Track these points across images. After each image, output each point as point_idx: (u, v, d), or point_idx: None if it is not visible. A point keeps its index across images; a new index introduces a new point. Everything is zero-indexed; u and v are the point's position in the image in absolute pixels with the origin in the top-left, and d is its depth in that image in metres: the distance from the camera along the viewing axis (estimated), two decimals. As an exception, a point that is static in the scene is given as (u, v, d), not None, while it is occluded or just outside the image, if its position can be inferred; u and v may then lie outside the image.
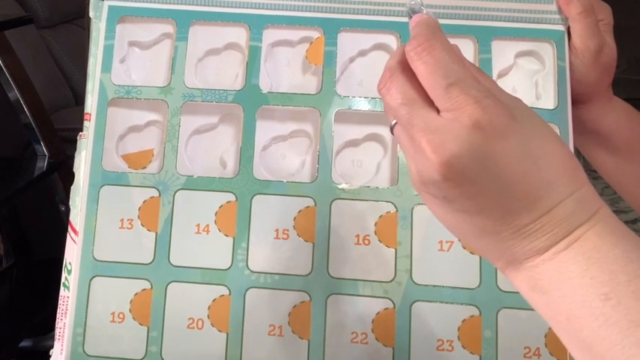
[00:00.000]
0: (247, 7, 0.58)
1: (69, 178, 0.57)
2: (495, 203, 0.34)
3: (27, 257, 1.24)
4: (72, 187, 0.57)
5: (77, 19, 2.07)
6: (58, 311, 0.55)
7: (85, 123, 0.57)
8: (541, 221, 0.35)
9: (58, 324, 0.55)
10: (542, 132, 0.35)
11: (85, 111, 0.58)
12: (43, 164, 1.28)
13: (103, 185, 0.56)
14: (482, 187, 0.34)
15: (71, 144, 0.62)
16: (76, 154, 0.57)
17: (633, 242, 0.34)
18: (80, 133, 0.57)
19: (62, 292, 0.55)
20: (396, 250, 0.54)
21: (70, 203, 0.57)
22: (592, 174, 0.64)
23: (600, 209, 0.35)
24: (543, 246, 0.35)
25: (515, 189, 0.34)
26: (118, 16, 0.59)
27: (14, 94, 1.26)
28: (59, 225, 1.24)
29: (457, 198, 0.35)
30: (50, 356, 0.55)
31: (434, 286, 0.54)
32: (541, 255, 0.35)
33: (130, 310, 0.55)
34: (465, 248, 0.54)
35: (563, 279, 0.34)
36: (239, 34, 0.59)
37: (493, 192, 0.34)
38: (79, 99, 1.96)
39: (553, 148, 0.35)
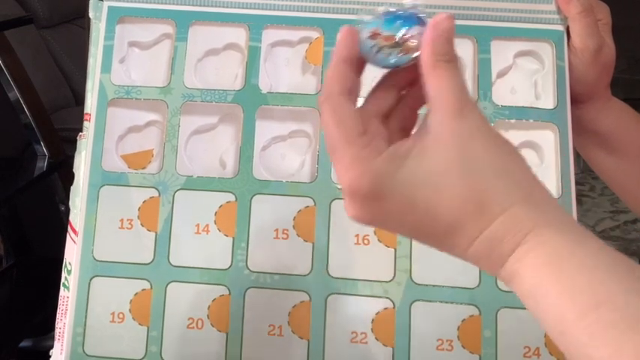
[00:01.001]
0: (247, 8, 0.58)
1: (69, 178, 0.57)
2: (415, 226, 0.36)
3: (27, 257, 1.24)
4: (72, 188, 0.57)
5: (77, 19, 2.07)
6: (57, 311, 0.55)
7: (85, 123, 0.57)
8: (475, 246, 0.35)
9: (58, 324, 0.55)
10: (425, 179, 0.35)
11: (85, 111, 0.58)
12: (43, 164, 1.28)
13: (103, 185, 0.56)
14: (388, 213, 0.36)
15: (71, 144, 0.62)
16: (76, 155, 0.57)
17: (576, 266, 0.33)
18: (80, 133, 0.57)
19: (62, 292, 0.56)
20: (395, 249, 0.54)
21: (70, 203, 0.57)
22: (592, 173, 0.64)
23: (528, 236, 0.34)
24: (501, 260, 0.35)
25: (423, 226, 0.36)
26: (118, 16, 0.59)
27: (14, 94, 1.26)
28: (59, 225, 1.24)
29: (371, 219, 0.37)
30: (50, 356, 0.55)
31: (433, 285, 0.54)
32: (507, 263, 0.35)
33: (129, 310, 0.55)
34: None
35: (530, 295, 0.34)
36: (238, 35, 0.59)
37: (400, 221, 0.36)
38: (79, 99, 1.96)
39: (444, 190, 0.35)
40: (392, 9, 0.37)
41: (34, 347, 1.27)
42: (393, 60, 0.37)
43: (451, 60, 0.36)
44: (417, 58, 0.36)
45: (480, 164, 0.35)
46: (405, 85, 0.39)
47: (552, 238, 0.34)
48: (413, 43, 0.36)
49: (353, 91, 0.37)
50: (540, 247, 0.34)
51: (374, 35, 0.37)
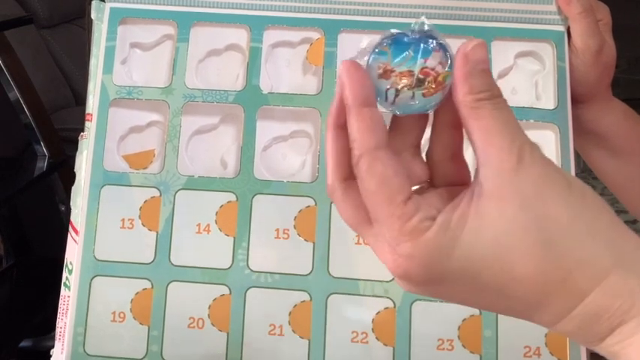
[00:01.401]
0: (248, 9, 0.58)
1: (69, 178, 0.57)
2: (487, 305, 0.31)
3: (27, 257, 1.24)
4: (73, 187, 0.57)
5: (77, 19, 2.07)
6: (58, 311, 0.55)
7: (87, 123, 0.57)
8: (564, 324, 0.30)
9: (59, 323, 0.55)
10: (490, 254, 0.29)
11: (87, 111, 0.58)
12: (43, 164, 1.28)
13: (104, 185, 0.56)
14: (453, 291, 0.31)
15: (71, 144, 0.62)
16: (77, 155, 0.58)
17: None
18: (81, 133, 0.58)
19: (63, 291, 0.56)
20: None
21: (71, 203, 0.57)
22: (592, 173, 0.64)
23: (632, 312, 0.28)
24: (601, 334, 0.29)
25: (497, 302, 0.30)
26: (120, 17, 0.59)
27: (14, 94, 1.26)
28: (59, 225, 1.24)
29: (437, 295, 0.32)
30: (51, 356, 0.55)
31: None
32: (605, 342, 0.29)
33: (130, 310, 0.55)
34: None
35: None
36: (240, 35, 0.59)
37: (470, 297, 0.31)
38: (79, 99, 1.96)
39: (516, 267, 0.29)
40: (396, 31, 0.30)
41: (34, 347, 1.27)
42: (418, 104, 0.29)
43: (495, 95, 0.30)
44: (447, 94, 0.29)
45: (557, 228, 0.28)
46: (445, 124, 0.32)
47: None
48: (439, 75, 0.29)
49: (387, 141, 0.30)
50: None
51: (385, 73, 0.29)
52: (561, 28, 0.57)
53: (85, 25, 0.61)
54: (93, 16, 0.59)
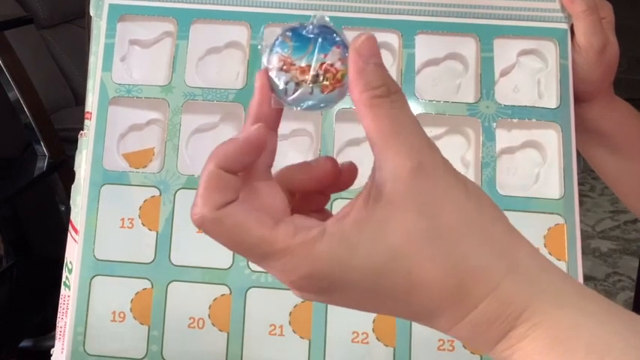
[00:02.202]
0: (248, 6, 0.58)
1: (69, 178, 0.57)
2: (387, 311, 0.30)
3: (27, 257, 1.24)
4: (72, 187, 0.57)
5: (77, 19, 2.07)
6: (59, 310, 0.55)
7: (86, 122, 0.57)
8: (457, 329, 0.29)
9: (59, 323, 0.55)
10: (388, 263, 0.28)
11: (86, 110, 0.58)
12: (43, 164, 1.28)
13: (104, 184, 0.56)
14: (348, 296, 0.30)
15: (71, 144, 0.62)
16: (77, 153, 0.57)
17: (583, 348, 0.27)
18: (81, 132, 0.57)
19: (63, 291, 0.55)
20: None
21: (71, 202, 0.57)
22: (592, 173, 0.64)
23: (521, 317, 0.28)
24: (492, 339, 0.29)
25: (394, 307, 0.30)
26: (119, 14, 0.59)
27: (14, 94, 1.26)
28: (59, 225, 1.24)
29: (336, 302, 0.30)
30: (51, 355, 0.55)
31: None
32: (497, 348, 0.29)
33: (130, 310, 0.55)
34: None
35: None
36: (240, 33, 0.59)
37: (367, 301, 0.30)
38: (79, 99, 1.96)
39: (414, 275, 0.28)
40: (295, 25, 0.29)
41: (34, 347, 1.27)
42: (316, 100, 0.29)
43: (392, 91, 0.29)
44: (344, 92, 0.29)
45: (453, 235, 0.28)
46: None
47: (549, 318, 0.28)
48: (338, 72, 0.28)
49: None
50: (537, 331, 0.28)
51: (286, 66, 0.29)
52: (564, 26, 0.57)
53: (85, 25, 0.60)
54: (92, 13, 0.58)
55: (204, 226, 0.30)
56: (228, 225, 0.29)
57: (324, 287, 0.29)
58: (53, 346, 0.55)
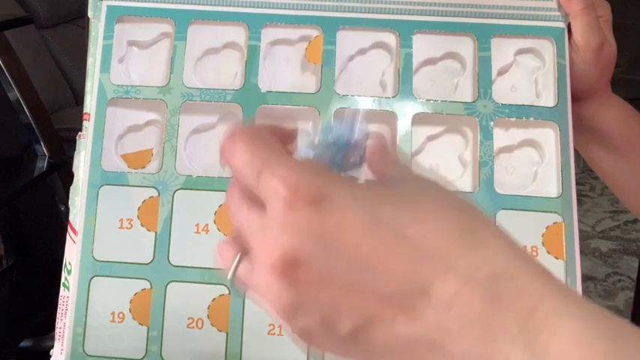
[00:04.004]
0: (246, 6, 0.58)
1: (69, 178, 0.57)
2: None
3: (27, 257, 1.24)
4: (71, 187, 0.57)
5: (77, 19, 2.07)
6: (57, 311, 0.55)
7: (85, 123, 0.57)
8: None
9: (58, 324, 0.55)
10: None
11: (84, 111, 0.58)
12: (43, 164, 1.28)
13: (103, 185, 0.56)
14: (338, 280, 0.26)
15: (71, 144, 0.62)
16: (76, 154, 0.57)
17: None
18: (79, 133, 0.57)
19: (62, 292, 0.55)
20: None
21: (70, 203, 0.57)
22: (592, 173, 0.64)
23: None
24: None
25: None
26: (117, 15, 0.59)
27: (14, 94, 1.26)
28: (59, 225, 1.24)
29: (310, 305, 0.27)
30: (50, 356, 0.55)
31: None
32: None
33: (129, 310, 0.55)
34: None
35: None
36: (238, 33, 0.59)
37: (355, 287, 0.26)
38: (79, 99, 1.96)
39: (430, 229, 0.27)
40: (330, 138, 0.32)
41: (34, 347, 1.27)
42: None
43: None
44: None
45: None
46: None
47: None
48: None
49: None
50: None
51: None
52: (561, 25, 0.57)
53: (85, 25, 0.60)
54: (89, 14, 0.59)
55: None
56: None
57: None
58: (53, 347, 0.55)
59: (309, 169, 0.28)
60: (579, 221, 0.55)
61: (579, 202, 0.53)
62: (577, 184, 0.55)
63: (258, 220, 0.28)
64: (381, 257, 0.26)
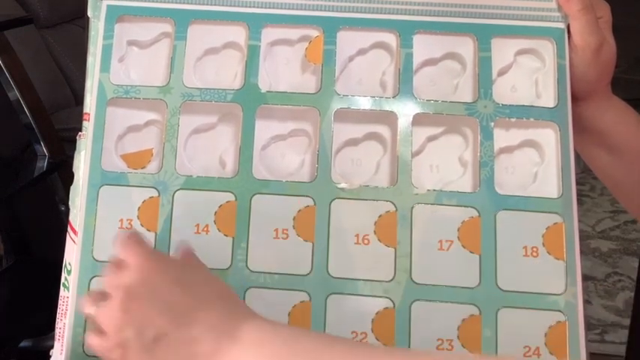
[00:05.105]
0: (246, 6, 0.58)
1: (69, 178, 0.57)
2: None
3: (27, 257, 1.24)
4: (71, 187, 0.57)
5: (77, 19, 2.07)
6: (57, 311, 0.55)
7: (84, 123, 0.57)
8: None
9: (58, 324, 0.55)
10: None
11: (84, 111, 0.58)
12: (43, 164, 1.28)
13: (103, 185, 0.56)
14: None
15: (71, 144, 0.62)
16: (76, 154, 0.57)
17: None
18: (79, 133, 0.57)
19: (62, 292, 0.55)
20: (395, 249, 0.54)
21: (70, 203, 0.57)
22: (592, 173, 0.64)
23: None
24: None
25: None
26: (117, 15, 0.59)
27: (14, 94, 1.26)
28: (59, 225, 1.24)
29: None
30: (50, 356, 0.55)
31: (433, 285, 0.54)
32: None
33: None
34: (465, 247, 0.54)
35: None
36: (238, 33, 0.59)
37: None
38: (79, 99, 1.96)
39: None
40: None
41: (34, 347, 1.26)
42: None
43: None
44: None
45: None
46: None
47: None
48: None
49: None
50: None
51: None
52: (561, 25, 0.57)
53: (85, 25, 0.60)
54: (89, 14, 0.59)
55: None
56: None
57: None
58: (53, 347, 0.55)
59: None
60: (579, 221, 0.55)
61: (579, 202, 0.53)
62: (577, 184, 0.55)
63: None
64: (173, 296, 0.43)
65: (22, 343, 1.25)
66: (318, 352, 0.41)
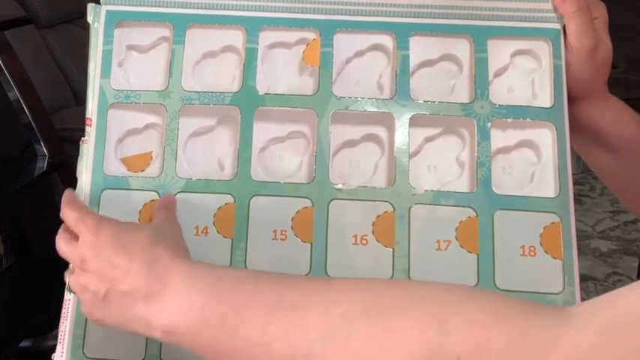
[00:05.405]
0: (243, 10, 0.58)
1: (69, 178, 0.57)
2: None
3: (27, 257, 1.24)
4: (75, 192, 0.57)
5: (77, 19, 2.07)
6: (61, 314, 0.56)
7: (87, 128, 0.58)
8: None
9: (61, 327, 0.55)
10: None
11: (86, 116, 0.58)
12: (43, 164, 1.28)
13: (105, 189, 0.56)
14: None
15: (71, 144, 0.62)
16: (79, 160, 0.58)
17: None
18: (82, 138, 0.58)
19: (66, 295, 0.56)
20: (393, 249, 0.54)
21: None
22: (592, 173, 0.64)
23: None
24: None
25: None
26: (116, 20, 0.59)
27: (14, 94, 1.26)
28: (59, 225, 1.24)
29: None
30: (52, 358, 0.56)
31: None
32: None
33: None
34: (462, 247, 0.54)
35: None
36: (236, 37, 0.59)
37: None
38: (79, 99, 1.96)
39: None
40: None
41: (34, 347, 1.27)
42: None
43: None
44: None
45: None
46: None
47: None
48: None
49: None
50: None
51: None
52: (557, 26, 0.57)
53: (86, 26, 0.61)
54: (89, 19, 0.59)
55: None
56: None
57: None
58: (53, 346, 0.56)
59: (94, 216, 0.51)
60: (579, 221, 0.55)
61: (579, 202, 0.54)
62: (577, 184, 0.56)
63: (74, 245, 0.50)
64: (113, 257, 0.47)
65: (22, 343, 1.25)
66: (241, 283, 0.44)
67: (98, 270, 0.47)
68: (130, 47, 0.60)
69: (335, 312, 0.39)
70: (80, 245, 0.49)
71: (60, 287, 0.56)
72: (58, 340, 0.55)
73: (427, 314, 0.37)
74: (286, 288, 0.42)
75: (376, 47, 0.59)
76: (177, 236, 0.52)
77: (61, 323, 0.55)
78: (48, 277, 1.18)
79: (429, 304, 0.38)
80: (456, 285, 0.40)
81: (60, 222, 0.53)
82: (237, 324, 0.42)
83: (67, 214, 0.51)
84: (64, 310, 0.55)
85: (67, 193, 0.53)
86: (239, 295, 0.43)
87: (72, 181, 0.58)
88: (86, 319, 0.55)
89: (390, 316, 0.38)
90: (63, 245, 0.51)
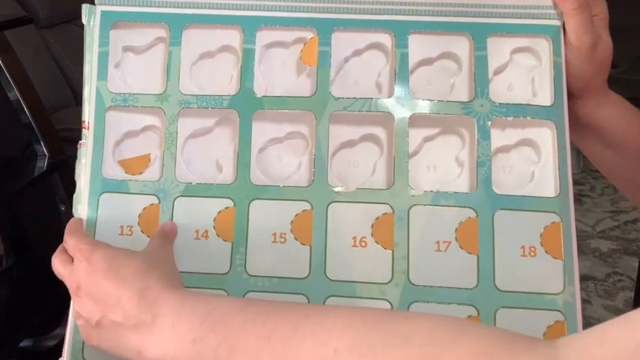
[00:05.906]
0: (240, 9, 0.58)
1: (69, 177, 0.57)
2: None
3: (27, 257, 1.24)
4: (74, 196, 0.57)
5: (77, 19, 2.06)
6: (69, 320, 0.56)
7: (84, 131, 0.57)
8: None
9: (65, 332, 0.56)
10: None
11: (83, 119, 0.58)
12: (43, 164, 1.28)
13: (103, 193, 0.56)
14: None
15: (71, 144, 0.62)
16: (77, 163, 0.58)
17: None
18: (80, 141, 0.57)
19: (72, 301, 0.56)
20: (392, 251, 0.54)
21: (73, 211, 0.57)
22: (592, 173, 0.64)
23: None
24: None
25: None
26: (112, 21, 0.59)
27: (14, 94, 1.26)
28: (59, 225, 1.24)
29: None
30: (51, 358, 0.56)
31: (431, 286, 0.54)
32: None
33: None
34: (462, 248, 0.54)
35: None
36: (232, 37, 0.59)
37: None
38: (79, 99, 1.95)
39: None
40: None
41: (34, 347, 1.27)
42: None
43: None
44: None
45: None
46: None
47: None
48: None
49: None
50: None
51: None
52: (557, 23, 0.57)
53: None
54: (84, 20, 0.59)
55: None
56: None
57: None
58: (53, 346, 0.56)
59: (89, 241, 0.52)
60: (579, 221, 0.55)
61: (579, 202, 0.53)
62: (577, 184, 0.56)
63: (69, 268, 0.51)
64: (105, 284, 0.48)
65: (22, 343, 1.25)
66: (232, 315, 0.44)
67: (91, 297, 0.49)
68: (126, 48, 0.60)
69: (324, 350, 0.40)
70: (75, 270, 0.50)
71: (60, 287, 0.56)
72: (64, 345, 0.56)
73: (415, 355, 0.38)
74: (277, 321, 0.43)
75: (374, 46, 0.59)
76: (170, 264, 0.52)
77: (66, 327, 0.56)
78: (48, 277, 1.17)
79: (417, 342, 0.39)
80: (444, 320, 0.40)
81: (60, 222, 0.53)
82: (229, 357, 0.43)
83: (66, 240, 0.53)
84: (70, 316, 0.56)
85: (72, 221, 0.55)
86: (231, 327, 0.44)
87: (72, 182, 0.57)
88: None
89: (381, 356, 0.39)
90: (60, 267, 0.52)
